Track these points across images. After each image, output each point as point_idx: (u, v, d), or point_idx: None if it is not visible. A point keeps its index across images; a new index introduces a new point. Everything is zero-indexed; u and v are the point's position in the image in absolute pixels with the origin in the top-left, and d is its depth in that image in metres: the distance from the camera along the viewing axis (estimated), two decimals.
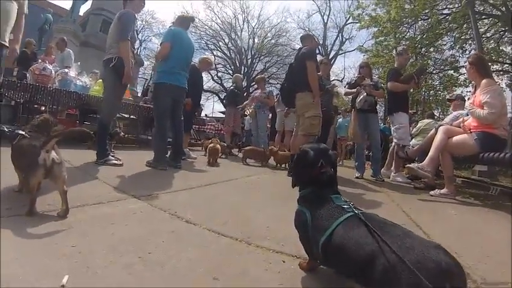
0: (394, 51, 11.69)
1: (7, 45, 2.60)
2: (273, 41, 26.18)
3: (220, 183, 2.88)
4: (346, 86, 4.98)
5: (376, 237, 0.80)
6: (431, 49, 13.08)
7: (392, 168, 4.82)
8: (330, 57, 23.97)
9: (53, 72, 4.95)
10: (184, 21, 3.78)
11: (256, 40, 26.60)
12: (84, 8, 12.42)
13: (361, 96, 4.25)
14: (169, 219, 1.59)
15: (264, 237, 1.48)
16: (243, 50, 26.49)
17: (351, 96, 4.73)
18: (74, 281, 0.92)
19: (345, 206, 0.99)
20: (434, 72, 13.62)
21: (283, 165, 4.74)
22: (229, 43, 26.41)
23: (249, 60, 26.71)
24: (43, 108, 5.41)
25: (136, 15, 3.24)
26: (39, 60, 5.79)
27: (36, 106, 5.04)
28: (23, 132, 1.72)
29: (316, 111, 3.58)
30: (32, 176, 1.40)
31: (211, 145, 4.28)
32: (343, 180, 4.18)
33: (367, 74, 4.59)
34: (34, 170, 1.39)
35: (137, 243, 1.24)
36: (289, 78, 3.94)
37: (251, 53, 26.60)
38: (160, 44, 3.57)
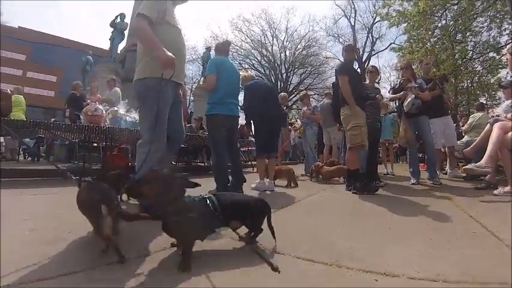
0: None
1: (183, 84, 2.74)
2: (304, 52, 26.12)
3: (287, 206, 2.90)
4: (391, 91, 4.90)
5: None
6: (468, 33, 12.41)
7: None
8: (363, 59, 23.61)
9: (104, 111, 5.31)
10: (223, 47, 3.78)
11: (287, 53, 26.72)
12: (121, 46, 13.41)
13: (409, 99, 4.14)
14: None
15: (350, 258, 1.52)
16: (276, 65, 26.61)
17: (396, 101, 4.73)
18: None
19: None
20: (474, 57, 12.86)
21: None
22: (262, 60, 26.62)
23: (284, 75, 26.76)
24: (95, 144, 5.84)
25: None
26: (88, 101, 6.32)
27: (87, 144, 5.49)
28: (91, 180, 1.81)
29: (355, 121, 3.53)
30: (102, 227, 1.41)
31: (286, 168, 4.52)
32: (400, 188, 4.08)
33: (410, 75, 4.45)
34: (102, 223, 1.40)
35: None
36: (334, 96, 4.04)
37: (285, 67, 26.72)
38: (205, 76, 3.54)
